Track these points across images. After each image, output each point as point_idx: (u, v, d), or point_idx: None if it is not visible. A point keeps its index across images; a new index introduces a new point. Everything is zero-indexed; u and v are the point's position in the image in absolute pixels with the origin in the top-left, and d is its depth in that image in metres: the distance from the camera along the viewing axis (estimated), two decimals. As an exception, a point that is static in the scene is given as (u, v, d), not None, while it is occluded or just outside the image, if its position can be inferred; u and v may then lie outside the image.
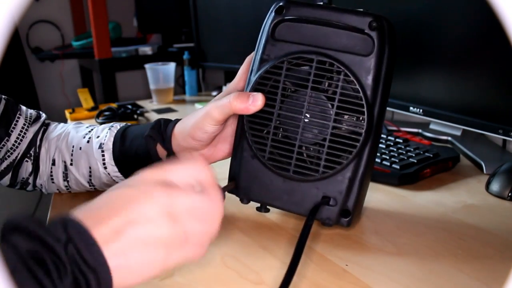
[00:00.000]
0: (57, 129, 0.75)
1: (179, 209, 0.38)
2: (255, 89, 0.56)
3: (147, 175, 0.39)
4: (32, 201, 2.31)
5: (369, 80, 0.53)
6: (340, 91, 0.53)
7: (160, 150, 0.64)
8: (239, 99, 0.55)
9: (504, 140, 0.90)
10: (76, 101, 1.93)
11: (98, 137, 0.69)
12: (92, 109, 1.38)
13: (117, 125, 0.71)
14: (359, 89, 0.53)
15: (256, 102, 0.55)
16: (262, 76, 0.56)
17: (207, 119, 0.58)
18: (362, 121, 0.53)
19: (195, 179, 0.41)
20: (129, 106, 1.34)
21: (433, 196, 0.71)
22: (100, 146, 0.68)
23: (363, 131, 0.53)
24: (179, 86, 1.98)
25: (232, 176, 0.60)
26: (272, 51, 0.57)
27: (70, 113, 1.37)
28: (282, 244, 0.58)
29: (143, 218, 0.36)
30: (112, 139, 0.68)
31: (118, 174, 0.69)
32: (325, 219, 0.56)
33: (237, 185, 0.60)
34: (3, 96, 0.71)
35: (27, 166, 0.73)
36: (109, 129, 0.70)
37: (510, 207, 0.67)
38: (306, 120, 0.55)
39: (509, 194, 0.69)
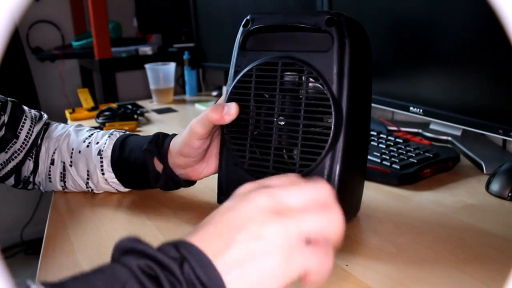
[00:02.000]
0: (57, 129, 0.76)
1: (293, 211, 0.35)
2: (230, 99, 0.59)
3: (253, 199, 0.35)
4: (33, 201, 2.32)
5: (333, 74, 0.54)
6: (307, 90, 0.54)
7: (157, 164, 0.66)
8: (214, 110, 0.57)
9: (504, 140, 0.90)
10: (76, 101, 1.93)
11: (97, 143, 0.71)
12: (92, 109, 1.38)
13: (117, 133, 0.72)
14: (323, 84, 0.53)
15: (230, 111, 0.57)
16: (236, 86, 0.58)
17: (192, 135, 0.61)
18: (331, 116, 0.53)
19: (312, 199, 0.37)
20: (129, 106, 1.34)
21: (433, 196, 0.71)
22: (99, 153, 0.70)
23: (332, 124, 0.53)
24: (179, 86, 1.98)
25: (220, 185, 0.62)
26: (243, 62, 0.59)
27: (70, 113, 1.37)
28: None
29: (254, 225, 0.34)
30: (111, 147, 0.70)
31: (115, 180, 0.71)
32: None
33: (224, 193, 0.61)
34: (9, 99, 0.72)
35: (29, 164, 0.74)
36: (109, 136, 0.71)
37: (510, 207, 0.67)
38: (281, 123, 0.56)
39: (509, 194, 0.69)
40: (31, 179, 0.75)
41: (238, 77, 0.58)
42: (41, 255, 0.59)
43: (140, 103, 1.53)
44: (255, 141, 0.58)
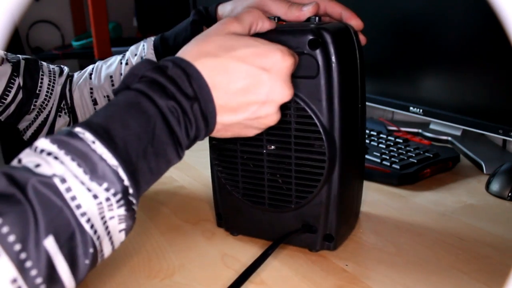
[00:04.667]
0: (83, 74, 0.73)
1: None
2: None
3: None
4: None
5: (322, 103, 0.49)
6: (296, 120, 0.50)
7: None
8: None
9: (504, 140, 0.90)
10: (76, 101, 1.93)
11: (135, 55, 0.69)
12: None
13: (151, 38, 0.70)
14: (312, 115, 0.49)
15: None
16: None
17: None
18: (323, 148, 0.50)
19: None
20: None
21: (433, 196, 0.71)
22: (142, 57, 0.68)
23: (326, 158, 0.50)
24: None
25: (217, 210, 0.61)
26: None
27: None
28: (282, 244, 0.58)
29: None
30: (152, 47, 0.68)
31: None
32: (309, 245, 0.55)
33: (223, 219, 0.60)
34: (21, 57, 0.69)
35: (63, 119, 0.71)
36: (144, 42, 0.70)
37: (510, 207, 0.67)
38: (272, 149, 0.53)
39: (509, 194, 0.69)
40: None
41: None
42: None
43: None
44: (246, 172, 0.55)
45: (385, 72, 0.98)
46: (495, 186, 0.71)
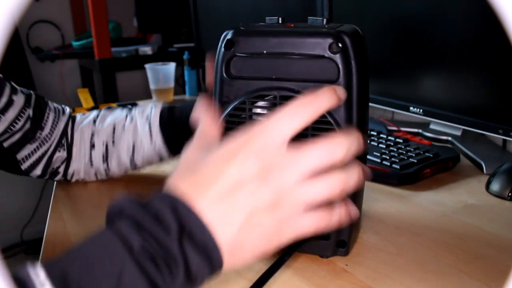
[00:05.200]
0: (87, 117, 0.78)
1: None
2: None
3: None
4: (33, 200, 2.32)
5: (341, 108, 0.47)
6: (313, 126, 0.47)
7: None
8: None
9: (504, 140, 0.90)
10: (76, 101, 1.93)
11: (142, 112, 0.74)
12: (92, 109, 1.38)
13: (161, 103, 0.75)
14: (331, 121, 0.47)
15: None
16: (226, 121, 0.51)
17: None
18: None
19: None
20: (129, 106, 1.33)
21: (433, 196, 0.71)
22: (147, 118, 0.73)
23: None
24: (179, 86, 1.98)
25: None
26: (231, 92, 0.51)
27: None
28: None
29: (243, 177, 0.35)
30: (158, 112, 0.73)
31: (163, 145, 0.73)
32: (320, 252, 0.54)
33: None
34: (32, 92, 0.74)
35: (60, 155, 0.75)
36: (154, 105, 0.75)
37: (510, 207, 0.67)
38: None
39: (509, 194, 0.69)
40: (60, 170, 0.76)
41: (228, 110, 0.51)
42: (41, 255, 0.59)
43: (140, 103, 1.53)
44: None
45: (385, 72, 0.98)
46: (495, 186, 0.71)
